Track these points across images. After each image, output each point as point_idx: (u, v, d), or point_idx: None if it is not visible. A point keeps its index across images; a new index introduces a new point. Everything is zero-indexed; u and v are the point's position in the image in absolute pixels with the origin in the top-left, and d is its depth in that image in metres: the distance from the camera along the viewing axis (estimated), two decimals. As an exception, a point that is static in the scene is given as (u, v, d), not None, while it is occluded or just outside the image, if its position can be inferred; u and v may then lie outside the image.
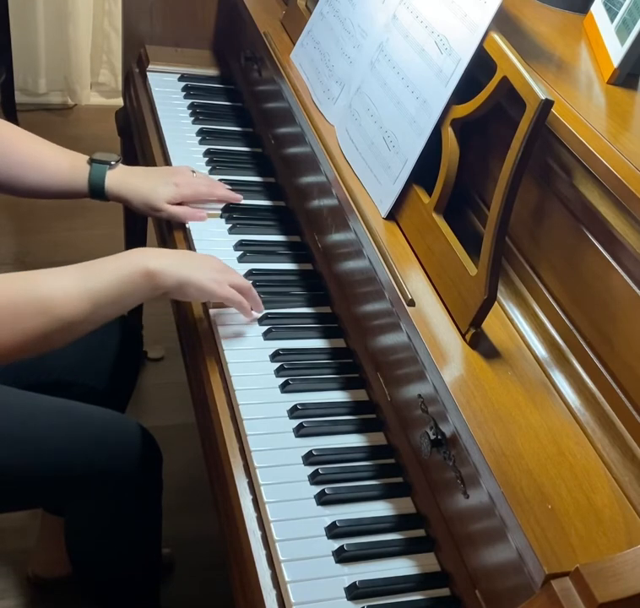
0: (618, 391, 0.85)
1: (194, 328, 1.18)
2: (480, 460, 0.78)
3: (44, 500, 1.41)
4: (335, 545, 0.91)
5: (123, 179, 1.33)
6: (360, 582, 0.87)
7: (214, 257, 1.17)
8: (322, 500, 0.95)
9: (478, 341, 0.91)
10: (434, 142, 1.04)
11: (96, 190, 1.32)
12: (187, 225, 1.33)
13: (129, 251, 1.10)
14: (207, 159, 1.52)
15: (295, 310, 1.23)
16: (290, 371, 1.10)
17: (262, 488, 0.95)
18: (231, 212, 1.38)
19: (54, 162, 1.32)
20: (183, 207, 1.34)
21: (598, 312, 0.88)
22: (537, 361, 0.92)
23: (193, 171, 1.39)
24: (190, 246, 1.31)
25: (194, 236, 1.32)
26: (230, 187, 1.41)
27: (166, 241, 1.39)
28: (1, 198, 2.70)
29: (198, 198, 1.36)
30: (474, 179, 1.10)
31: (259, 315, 1.18)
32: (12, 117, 3.03)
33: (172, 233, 1.36)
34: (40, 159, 1.31)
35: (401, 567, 0.91)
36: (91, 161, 1.33)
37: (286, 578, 0.87)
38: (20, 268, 2.49)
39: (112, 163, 1.33)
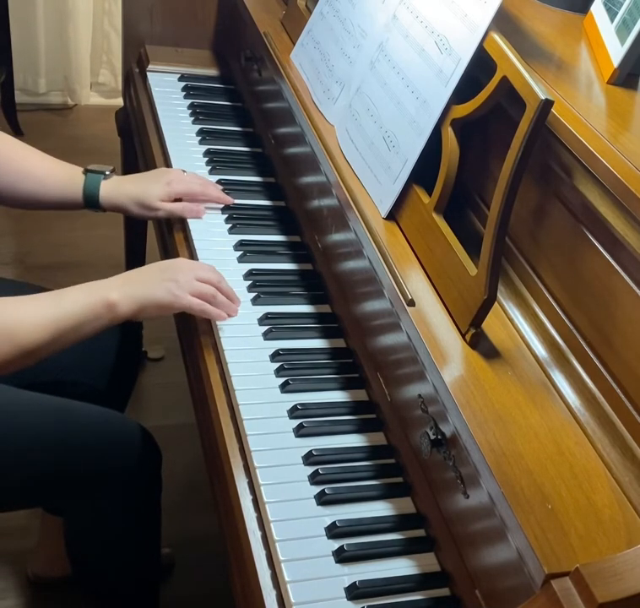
0: (618, 391, 0.85)
1: (194, 328, 1.18)
2: (480, 460, 0.78)
3: (43, 500, 1.41)
4: (335, 545, 0.91)
5: (117, 187, 1.34)
6: (360, 582, 0.87)
7: (173, 264, 1.17)
8: (322, 500, 0.95)
9: (478, 341, 0.91)
10: (434, 142, 1.04)
11: (91, 200, 1.33)
12: (187, 227, 1.33)
13: (94, 282, 1.11)
14: (207, 159, 1.52)
15: (295, 310, 1.23)
16: (290, 371, 1.10)
17: (262, 488, 0.95)
18: (231, 212, 1.38)
19: (49, 173, 1.33)
20: (180, 203, 1.34)
21: (598, 312, 0.88)
22: (537, 361, 0.92)
23: (184, 171, 1.40)
24: (190, 246, 1.31)
25: (194, 236, 1.32)
26: (223, 189, 1.41)
27: (166, 242, 1.39)
28: (1, 198, 2.71)
29: (191, 195, 1.36)
30: (474, 179, 1.10)
31: (235, 314, 1.17)
32: (12, 117, 3.02)
33: (172, 233, 1.36)
34: (36, 170, 1.32)
35: (401, 567, 0.91)
36: (86, 172, 1.34)
37: (286, 578, 0.87)
38: (20, 269, 2.48)
39: (107, 173, 1.34)
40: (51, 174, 1.33)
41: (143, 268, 1.17)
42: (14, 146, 1.32)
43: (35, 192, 1.32)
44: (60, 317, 1.05)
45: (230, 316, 1.17)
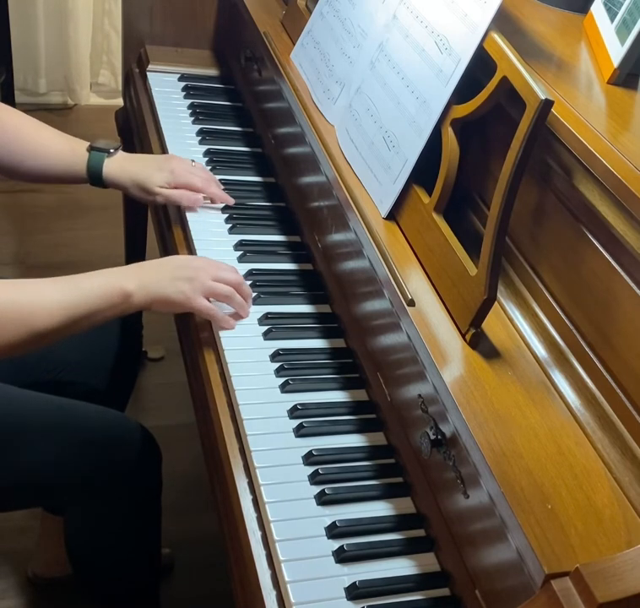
0: (618, 391, 0.85)
1: (194, 328, 1.18)
2: (480, 460, 0.78)
3: (44, 499, 1.41)
4: (335, 545, 0.91)
5: (120, 166, 1.34)
6: (360, 582, 0.87)
7: (192, 262, 1.16)
8: (322, 500, 0.95)
9: (478, 341, 0.91)
10: (434, 142, 1.04)
11: (94, 177, 1.35)
12: (187, 226, 1.33)
13: (110, 269, 1.11)
14: (207, 159, 1.52)
15: (295, 310, 1.23)
16: (290, 371, 1.10)
17: (262, 488, 0.95)
18: (231, 212, 1.38)
19: (55, 148, 1.34)
20: (179, 190, 1.34)
21: (598, 312, 0.88)
22: (537, 360, 0.92)
23: (193, 162, 1.40)
24: (190, 246, 1.31)
25: (194, 235, 1.31)
26: (223, 189, 1.41)
27: (166, 241, 1.39)
28: (1, 199, 2.71)
29: (191, 189, 1.35)
30: (474, 179, 1.10)
31: (246, 316, 1.17)
32: (12, 117, 3.02)
33: (172, 232, 1.36)
34: (42, 144, 1.33)
35: (401, 567, 0.91)
36: (91, 148, 1.34)
37: (286, 578, 0.87)
38: (20, 269, 2.47)
39: (111, 151, 1.35)
40: (57, 149, 1.34)
41: (161, 260, 1.16)
42: (24, 121, 1.34)
43: (41, 166, 1.34)
44: (76, 303, 1.04)
45: (241, 318, 1.16)
